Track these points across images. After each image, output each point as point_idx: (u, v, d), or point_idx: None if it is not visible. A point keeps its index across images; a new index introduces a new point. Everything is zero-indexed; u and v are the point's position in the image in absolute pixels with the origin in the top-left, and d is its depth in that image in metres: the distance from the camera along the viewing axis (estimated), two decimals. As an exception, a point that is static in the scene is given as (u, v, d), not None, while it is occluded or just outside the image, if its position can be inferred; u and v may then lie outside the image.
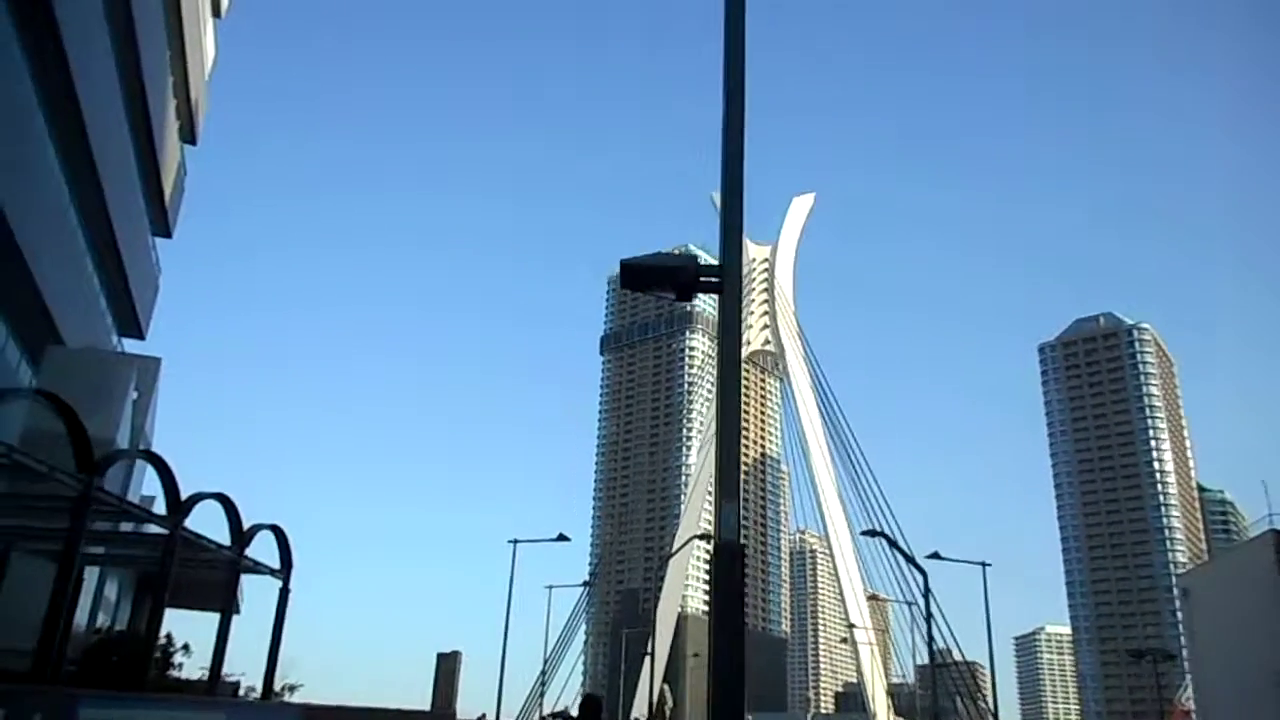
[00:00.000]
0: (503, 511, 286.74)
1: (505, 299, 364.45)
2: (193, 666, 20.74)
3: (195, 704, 12.98)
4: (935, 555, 35.23)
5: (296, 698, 24.90)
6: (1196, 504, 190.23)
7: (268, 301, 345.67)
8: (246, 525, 16.24)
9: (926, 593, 32.16)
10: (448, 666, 34.78)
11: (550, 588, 59.07)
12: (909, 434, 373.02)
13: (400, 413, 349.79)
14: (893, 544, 34.54)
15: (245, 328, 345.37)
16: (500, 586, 41.55)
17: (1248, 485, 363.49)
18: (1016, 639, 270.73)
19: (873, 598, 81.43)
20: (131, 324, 22.61)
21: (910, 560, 33.42)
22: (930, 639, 32.87)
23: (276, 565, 17.46)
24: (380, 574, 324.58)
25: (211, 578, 16.97)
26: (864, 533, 40.89)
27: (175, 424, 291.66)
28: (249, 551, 16.53)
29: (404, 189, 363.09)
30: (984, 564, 43.03)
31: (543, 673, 71.86)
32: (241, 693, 24.20)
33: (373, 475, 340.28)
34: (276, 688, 26.58)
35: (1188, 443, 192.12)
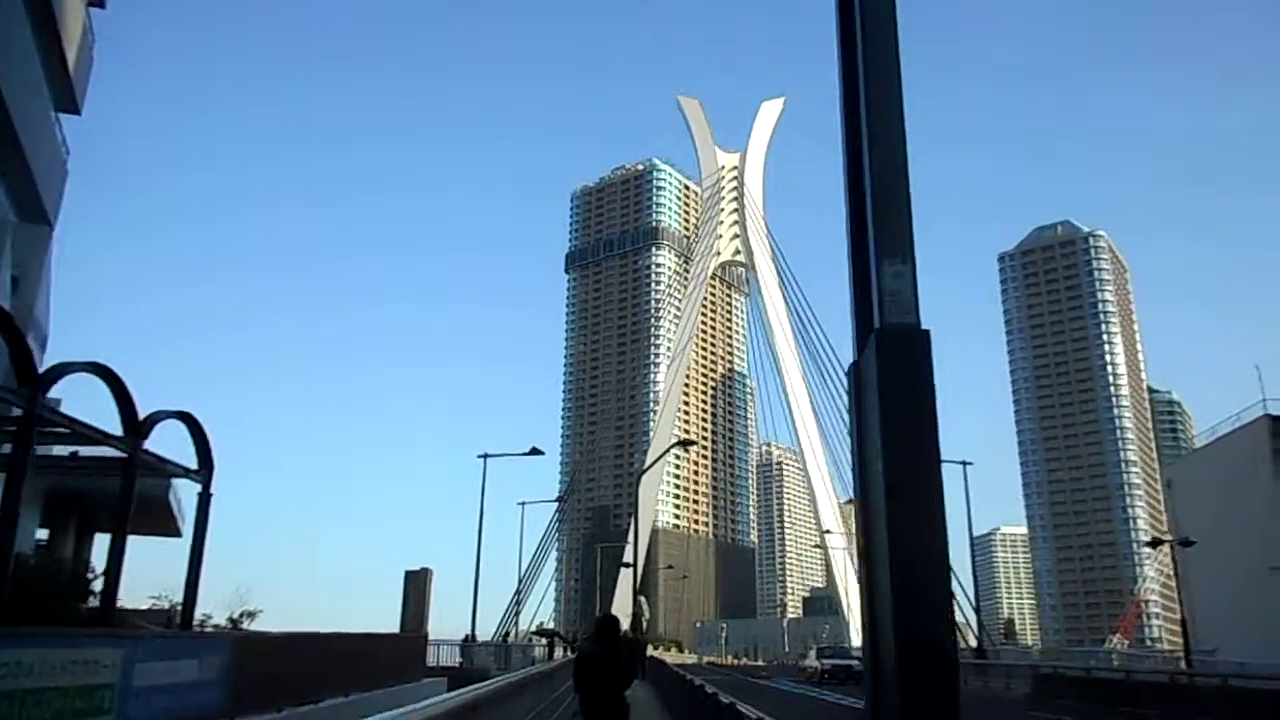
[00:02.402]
0: (473, 433, 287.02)
1: (467, 223, 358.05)
2: (138, 595, 19.15)
3: (89, 639, 10.72)
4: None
5: (255, 625, 23.28)
6: (1147, 405, 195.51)
7: (225, 205, 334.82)
8: (199, 451, 14.27)
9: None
10: (417, 585, 32.70)
11: (523, 504, 59.20)
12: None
13: (364, 338, 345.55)
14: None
15: (199, 230, 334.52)
16: (472, 506, 41.15)
17: (1192, 385, 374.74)
18: (977, 538, 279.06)
19: (849, 502, 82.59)
20: (36, 211, 19.85)
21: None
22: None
23: (192, 465, 14.82)
24: (350, 497, 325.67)
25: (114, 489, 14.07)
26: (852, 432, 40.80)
27: (124, 334, 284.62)
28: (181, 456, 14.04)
29: (365, 92, 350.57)
30: (964, 463, 43.38)
31: (518, 590, 72.47)
32: (198, 624, 22.35)
33: (336, 397, 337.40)
34: (235, 615, 25.16)
35: (1139, 346, 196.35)
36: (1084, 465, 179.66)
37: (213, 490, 14.98)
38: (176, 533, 25.33)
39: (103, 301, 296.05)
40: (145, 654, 11.38)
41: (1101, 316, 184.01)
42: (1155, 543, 30.70)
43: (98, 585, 13.71)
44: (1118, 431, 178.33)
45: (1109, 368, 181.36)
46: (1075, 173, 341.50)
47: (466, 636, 42.22)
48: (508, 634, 66.85)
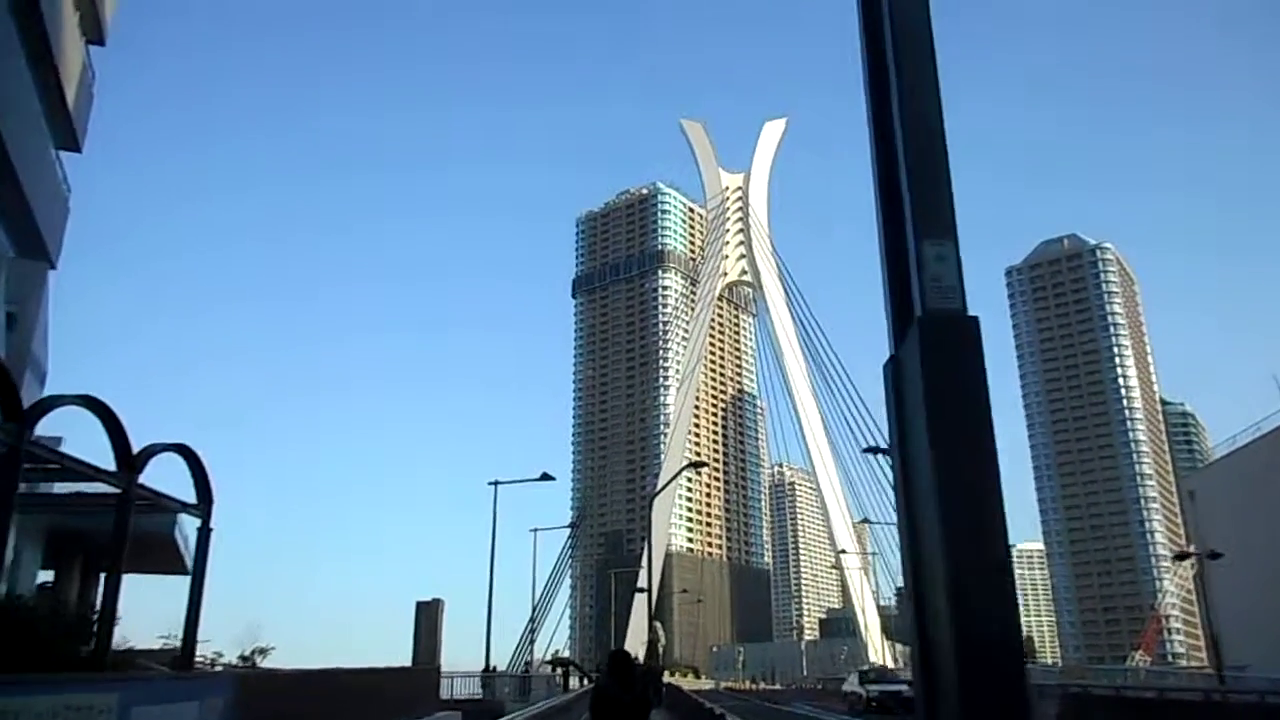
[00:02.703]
0: (483, 462, 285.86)
1: (469, 249, 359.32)
2: (149, 635, 18.62)
3: (79, 683, 10.17)
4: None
5: (268, 662, 22.76)
6: (1160, 418, 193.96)
7: (225, 236, 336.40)
8: (197, 484, 13.87)
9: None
10: (429, 616, 32.06)
11: (535, 530, 58.65)
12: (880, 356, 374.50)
13: (367, 367, 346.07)
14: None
15: (198, 261, 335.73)
16: (483, 536, 40.54)
17: (1204, 396, 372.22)
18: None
19: (864, 521, 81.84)
20: (36, 248, 19.64)
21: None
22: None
23: (191, 499, 14.45)
24: (359, 530, 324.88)
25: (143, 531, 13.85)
26: (866, 450, 40.52)
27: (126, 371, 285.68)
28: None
29: (366, 119, 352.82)
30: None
31: (532, 618, 71.86)
32: (208, 663, 21.58)
33: (343, 428, 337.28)
34: (246, 653, 24.62)
35: (1150, 358, 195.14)
36: (1099, 479, 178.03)
37: (213, 525, 14.61)
38: (185, 570, 24.92)
39: (104, 338, 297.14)
40: (142, 697, 10.89)
41: (1111, 329, 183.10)
42: (1182, 556, 29.75)
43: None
44: (1132, 445, 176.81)
45: (1120, 380, 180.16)
46: (1077, 185, 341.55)
47: (489, 667, 41.49)
48: (528, 664, 65.86)
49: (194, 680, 13.81)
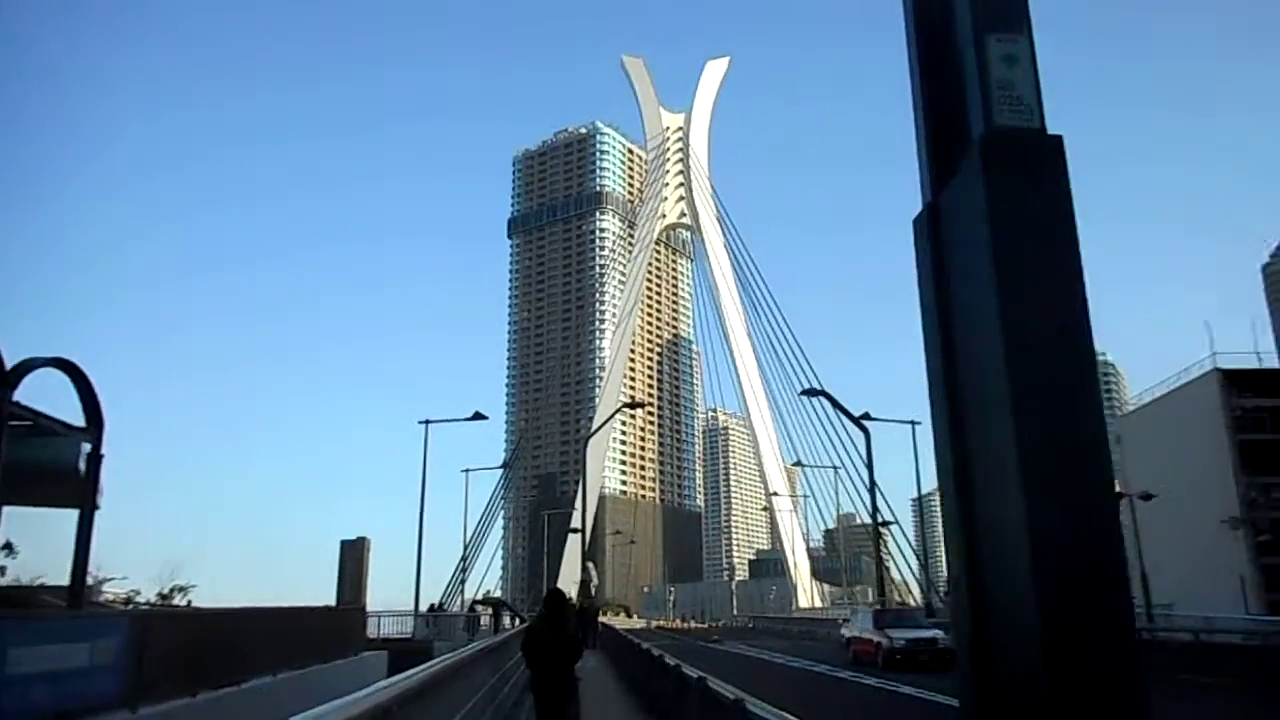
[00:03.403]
0: (417, 405, 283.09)
1: (404, 196, 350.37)
2: (61, 572, 17.60)
3: None
4: (866, 416, 34.77)
5: (188, 601, 21.67)
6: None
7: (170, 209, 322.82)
8: (85, 405, 12.53)
9: (869, 451, 31.76)
10: (354, 555, 31.13)
11: (467, 471, 57.75)
12: (821, 298, 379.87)
13: (303, 319, 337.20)
14: (833, 402, 33.84)
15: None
16: (417, 479, 39.40)
17: (1122, 346, 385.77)
18: (912, 500, 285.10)
19: (797, 464, 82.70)
20: None
21: (851, 418, 32.86)
22: (874, 497, 32.78)
23: (80, 421, 13.14)
24: (290, 470, 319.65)
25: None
26: (803, 392, 40.21)
27: None
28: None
29: (298, 83, 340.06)
30: (913, 422, 43.09)
31: (463, 558, 71.17)
32: (123, 602, 20.49)
33: (277, 372, 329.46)
34: (165, 591, 23.43)
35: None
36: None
37: (104, 451, 13.39)
38: (94, 505, 23.65)
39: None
40: (23, 638, 9.89)
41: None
42: (1117, 496, 30.47)
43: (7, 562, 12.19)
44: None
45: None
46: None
47: (433, 605, 40.88)
48: (474, 605, 65.29)
49: (86, 621, 12.66)
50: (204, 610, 19.53)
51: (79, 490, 22.50)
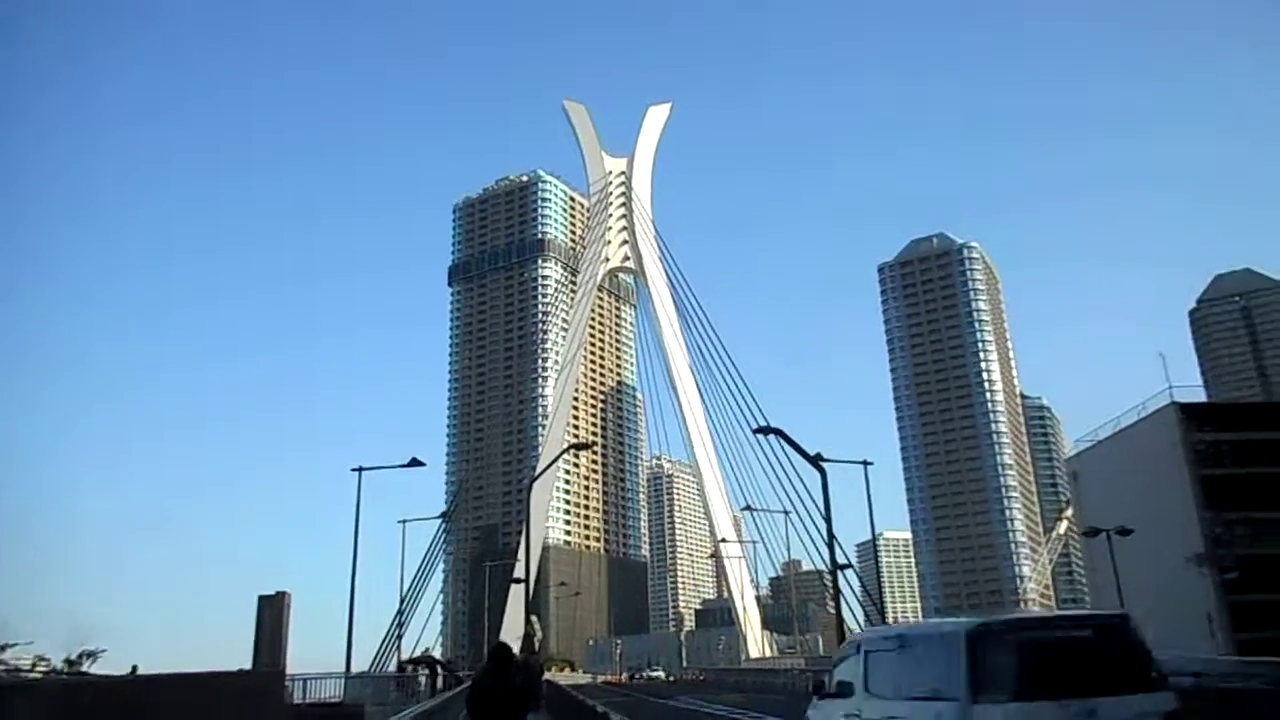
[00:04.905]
0: (350, 455, 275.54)
1: (341, 244, 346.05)
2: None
3: None
4: (819, 456, 33.34)
5: (97, 667, 19.03)
6: (1020, 411, 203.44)
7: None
8: None
9: (825, 490, 30.28)
10: (273, 611, 28.29)
11: (404, 521, 54.99)
12: (763, 347, 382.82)
13: (228, 360, 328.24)
14: (787, 439, 32.35)
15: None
16: (349, 528, 36.58)
17: (1060, 391, 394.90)
18: (858, 545, 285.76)
19: (746, 508, 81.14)
20: None
21: (805, 455, 31.37)
22: (831, 537, 31.28)
23: None
24: (212, 525, 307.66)
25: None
26: (757, 430, 38.67)
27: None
28: None
29: (236, 125, 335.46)
30: (865, 463, 41.75)
31: (400, 612, 67.70)
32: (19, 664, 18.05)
33: (203, 425, 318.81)
34: (72, 656, 20.89)
35: (1011, 353, 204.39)
36: (962, 469, 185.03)
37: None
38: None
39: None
40: None
41: (976, 325, 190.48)
42: (1092, 532, 29.27)
43: None
44: (994, 436, 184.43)
45: (984, 374, 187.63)
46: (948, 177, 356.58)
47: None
48: (403, 665, 61.84)
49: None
50: (97, 679, 16.89)
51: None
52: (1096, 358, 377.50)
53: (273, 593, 28.23)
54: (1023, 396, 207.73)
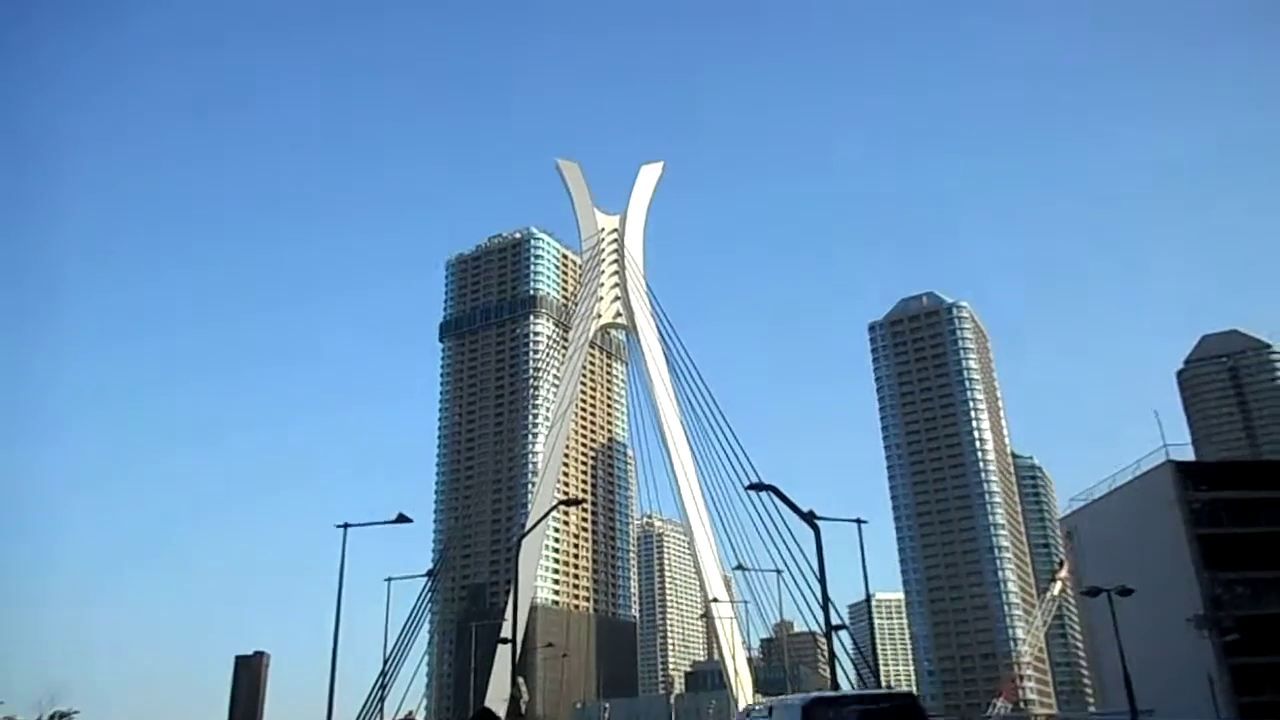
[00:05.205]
0: (336, 512, 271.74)
1: (325, 286, 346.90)
2: None
3: None
4: (812, 514, 32.81)
5: None
6: (1011, 469, 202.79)
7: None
8: None
9: (819, 548, 29.71)
10: (249, 672, 27.16)
11: (390, 580, 54.16)
12: (758, 410, 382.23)
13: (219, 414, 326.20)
14: (781, 496, 31.84)
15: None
16: (329, 589, 35.69)
17: (1049, 450, 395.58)
18: (850, 606, 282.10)
19: (739, 568, 79.96)
20: None
21: (799, 513, 30.83)
22: (825, 595, 30.59)
23: None
24: (201, 587, 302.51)
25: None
26: (749, 486, 38.13)
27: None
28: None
29: (228, 192, 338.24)
30: (859, 520, 41.16)
31: (383, 673, 66.24)
32: None
33: (193, 475, 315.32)
34: (44, 716, 20.33)
35: (1002, 412, 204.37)
36: (955, 529, 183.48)
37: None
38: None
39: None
40: None
41: (967, 384, 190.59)
42: (1093, 591, 28.57)
43: None
44: (986, 495, 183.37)
45: (975, 433, 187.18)
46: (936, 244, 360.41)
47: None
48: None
49: None
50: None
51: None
52: (1085, 418, 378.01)
53: (250, 653, 27.13)
54: (1014, 455, 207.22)
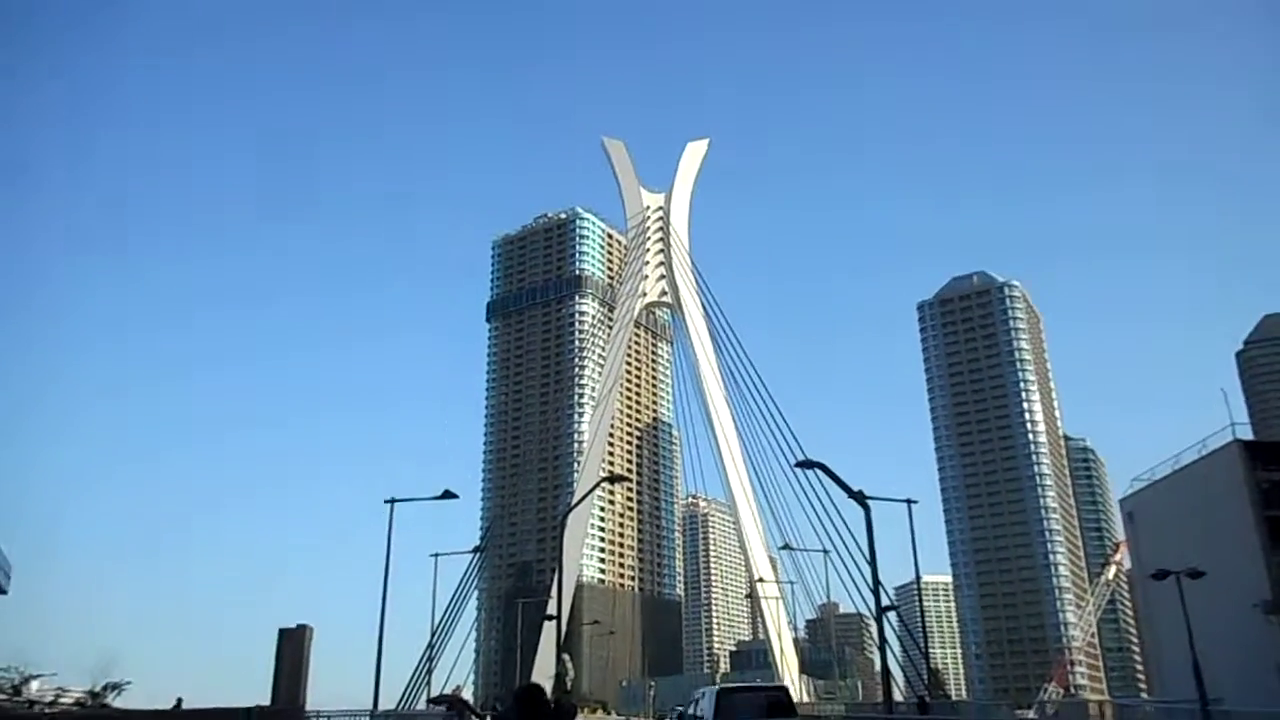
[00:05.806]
0: (384, 488, 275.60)
1: (378, 278, 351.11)
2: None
3: None
4: (861, 494, 32.19)
5: (121, 700, 18.57)
6: (1063, 451, 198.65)
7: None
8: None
9: (869, 527, 29.15)
10: (293, 645, 27.16)
11: (436, 555, 54.59)
12: (811, 387, 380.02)
13: (266, 392, 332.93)
14: (830, 474, 31.29)
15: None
16: (378, 560, 35.85)
17: (1101, 432, 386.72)
18: (896, 588, 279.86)
19: (785, 547, 79.42)
20: None
21: (849, 491, 30.27)
22: (875, 575, 30.07)
23: None
24: (247, 556, 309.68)
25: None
26: (798, 464, 37.67)
27: None
28: None
29: (273, 168, 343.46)
30: (909, 501, 40.47)
31: (430, 647, 66.97)
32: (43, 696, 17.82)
33: (242, 455, 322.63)
34: (96, 688, 20.60)
35: (1054, 394, 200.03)
36: (1005, 512, 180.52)
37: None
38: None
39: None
40: None
41: (1018, 364, 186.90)
42: (1161, 574, 27.61)
43: None
44: (1037, 478, 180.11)
45: (1026, 415, 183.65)
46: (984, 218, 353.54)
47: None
48: (429, 702, 60.78)
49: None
50: (117, 713, 16.37)
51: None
52: (1138, 400, 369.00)
53: (294, 626, 27.28)
54: (1066, 438, 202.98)
